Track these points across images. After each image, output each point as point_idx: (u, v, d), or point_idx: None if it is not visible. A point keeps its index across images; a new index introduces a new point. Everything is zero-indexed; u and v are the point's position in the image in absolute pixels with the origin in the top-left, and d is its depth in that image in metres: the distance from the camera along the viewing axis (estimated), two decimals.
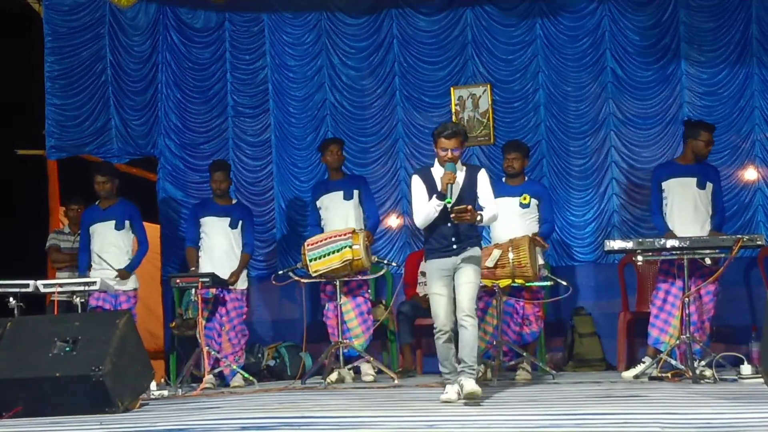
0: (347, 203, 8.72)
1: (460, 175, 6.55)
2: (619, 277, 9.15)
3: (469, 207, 6.40)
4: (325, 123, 10.15)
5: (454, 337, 6.49)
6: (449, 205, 6.41)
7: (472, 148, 9.78)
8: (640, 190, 9.48)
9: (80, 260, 9.00)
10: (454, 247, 6.49)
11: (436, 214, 6.47)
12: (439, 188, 6.45)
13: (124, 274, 8.74)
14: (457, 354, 6.49)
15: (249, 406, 6.66)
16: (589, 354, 9.08)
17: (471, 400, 6.22)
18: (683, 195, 8.00)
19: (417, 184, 6.60)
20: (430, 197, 6.50)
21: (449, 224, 6.48)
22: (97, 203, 9.01)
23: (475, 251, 6.54)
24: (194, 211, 9.16)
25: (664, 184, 8.06)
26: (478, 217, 6.46)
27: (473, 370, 6.38)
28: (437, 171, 6.58)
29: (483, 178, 6.60)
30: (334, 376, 8.21)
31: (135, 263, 8.87)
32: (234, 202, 9.13)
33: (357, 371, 8.56)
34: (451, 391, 6.42)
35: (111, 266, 8.70)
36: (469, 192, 6.54)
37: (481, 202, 6.56)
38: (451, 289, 6.50)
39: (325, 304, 8.64)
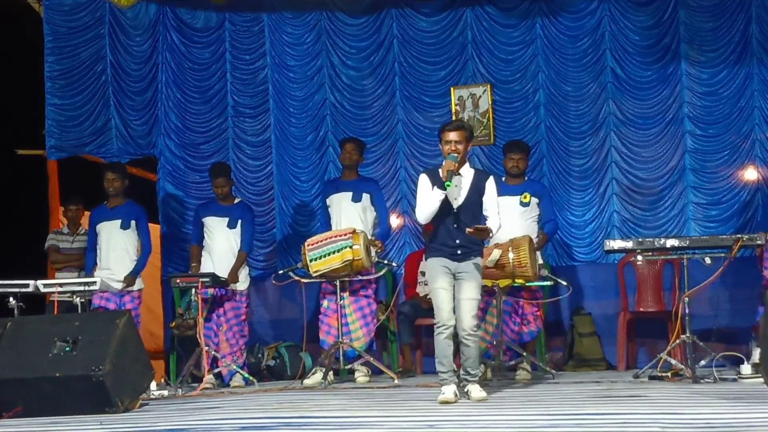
0: (355, 205, 8.68)
1: (468, 176, 6.60)
2: (619, 277, 9.15)
3: (489, 228, 6.50)
4: (325, 123, 10.15)
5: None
6: (452, 200, 6.46)
7: (472, 148, 9.74)
8: (640, 190, 9.49)
9: (87, 259, 9.02)
10: (458, 252, 6.53)
11: (437, 205, 6.49)
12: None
13: (130, 280, 8.75)
14: (457, 356, 6.54)
15: (249, 406, 6.66)
16: (589, 354, 9.07)
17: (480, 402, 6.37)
18: None
19: (423, 181, 6.64)
20: None
21: (455, 226, 6.51)
22: (105, 203, 9.02)
23: (477, 260, 6.61)
24: (197, 211, 9.17)
25: None
26: (491, 234, 6.59)
27: (477, 377, 6.59)
28: None
29: (491, 187, 6.64)
30: (318, 376, 8.21)
31: (139, 267, 8.86)
32: (236, 201, 9.11)
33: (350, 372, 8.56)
34: (448, 392, 6.41)
35: (109, 267, 8.72)
36: (475, 197, 6.58)
37: (485, 212, 6.60)
38: (452, 286, 6.55)
39: (324, 303, 8.62)
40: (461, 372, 6.62)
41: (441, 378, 6.51)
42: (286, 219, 10.18)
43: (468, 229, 6.42)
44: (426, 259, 6.72)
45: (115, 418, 6.32)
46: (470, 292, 6.53)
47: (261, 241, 9.94)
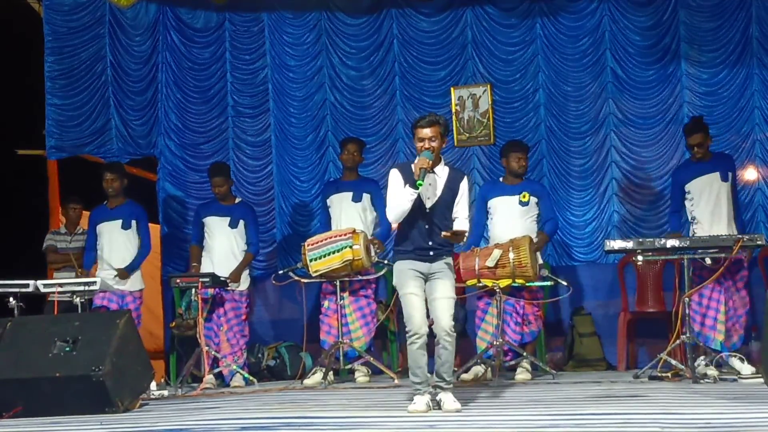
0: (355, 205, 8.70)
1: (443, 174, 6.23)
2: (619, 277, 9.16)
3: (466, 233, 6.16)
4: (325, 123, 10.15)
5: (429, 341, 6.14)
6: (425, 199, 6.13)
7: (472, 148, 9.80)
8: (640, 190, 9.49)
9: (86, 259, 9.03)
10: (431, 253, 6.14)
11: (409, 204, 6.07)
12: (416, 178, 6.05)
13: (123, 274, 8.75)
14: (434, 365, 6.19)
15: (249, 406, 6.67)
16: (589, 354, 9.07)
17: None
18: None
19: (394, 176, 6.20)
20: None
21: (427, 227, 6.15)
22: (105, 203, 9.02)
23: (449, 260, 6.22)
24: (198, 211, 9.20)
25: None
26: (464, 240, 6.28)
27: (451, 384, 6.15)
28: None
29: (464, 188, 6.23)
30: (318, 376, 8.21)
31: (135, 264, 8.86)
32: (237, 201, 9.12)
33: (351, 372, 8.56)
34: (420, 402, 6.02)
35: (111, 266, 8.73)
36: (449, 195, 6.21)
37: (454, 213, 6.23)
38: (423, 291, 6.17)
39: (324, 303, 8.62)
40: (434, 378, 6.15)
41: (414, 388, 6.10)
42: (286, 219, 10.17)
43: (444, 233, 6.07)
44: (393, 262, 6.35)
45: (115, 418, 6.33)
46: (446, 291, 6.11)
47: (261, 241, 9.92)
